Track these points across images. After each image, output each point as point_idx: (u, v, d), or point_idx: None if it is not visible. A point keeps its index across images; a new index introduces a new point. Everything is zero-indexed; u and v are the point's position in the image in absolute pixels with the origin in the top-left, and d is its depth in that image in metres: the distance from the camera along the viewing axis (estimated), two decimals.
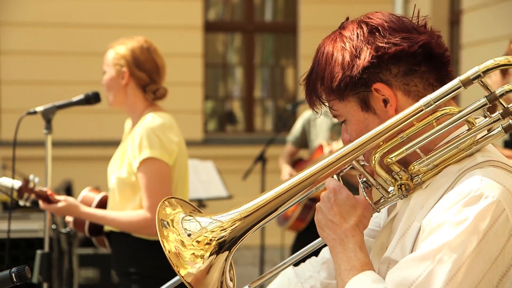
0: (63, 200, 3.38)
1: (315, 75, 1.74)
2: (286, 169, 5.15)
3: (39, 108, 3.44)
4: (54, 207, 3.37)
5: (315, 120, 5.15)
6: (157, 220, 1.70)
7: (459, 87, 1.56)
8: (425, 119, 1.62)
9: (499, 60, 1.55)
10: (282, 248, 6.11)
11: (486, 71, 1.54)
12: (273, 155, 6.75)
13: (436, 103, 1.58)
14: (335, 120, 5.06)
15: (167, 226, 1.69)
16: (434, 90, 1.65)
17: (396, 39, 1.65)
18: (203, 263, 1.66)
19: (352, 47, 1.67)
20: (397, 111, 1.66)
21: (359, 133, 1.69)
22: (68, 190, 7.49)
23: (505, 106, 1.58)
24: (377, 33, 1.67)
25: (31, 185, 3.40)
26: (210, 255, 1.66)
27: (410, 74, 1.66)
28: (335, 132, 5.01)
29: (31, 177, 3.44)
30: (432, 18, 9.30)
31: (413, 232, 1.60)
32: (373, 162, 1.65)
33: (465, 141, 1.61)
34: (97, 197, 3.57)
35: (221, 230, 1.67)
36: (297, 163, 5.25)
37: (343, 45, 1.69)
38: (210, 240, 1.66)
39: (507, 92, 1.56)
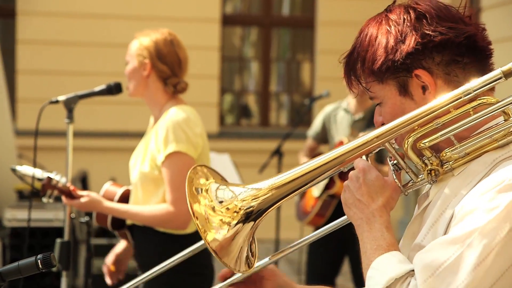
0: (86, 195, 3.39)
1: (356, 54, 1.74)
2: (304, 160, 5.19)
3: (61, 98, 3.45)
4: (77, 202, 3.39)
5: (336, 116, 5.15)
6: (187, 186, 1.73)
7: (500, 78, 1.57)
8: (462, 107, 1.62)
9: None
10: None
11: None
12: (289, 150, 6.76)
13: (475, 92, 1.59)
14: (356, 117, 5.06)
15: (200, 192, 1.73)
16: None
17: (443, 28, 1.65)
18: (228, 230, 1.69)
19: (397, 31, 1.67)
20: (435, 99, 1.65)
21: (394, 117, 1.69)
22: (84, 180, 7.52)
23: None
24: (424, 20, 1.67)
25: (53, 182, 3.41)
26: (237, 223, 1.69)
27: (453, 64, 1.66)
28: (356, 128, 5.01)
29: (53, 174, 3.44)
30: None
31: (445, 219, 1.60)
32: (406, 145, 1.66)
33: (500, 132, 1.62)
34: (119, 191, 3.57)
35: (252, 200, 1.70)
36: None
37: (388, 28, 1.69)
38: (239, 208, 1.69)
39: None
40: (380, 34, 1.70)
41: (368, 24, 1.75)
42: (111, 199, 3.53)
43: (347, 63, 1.77)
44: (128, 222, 3.50)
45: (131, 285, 2.45)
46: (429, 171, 1.65)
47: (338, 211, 4.99)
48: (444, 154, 1.65)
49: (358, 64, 1.74)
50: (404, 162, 1.69)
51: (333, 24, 9.43)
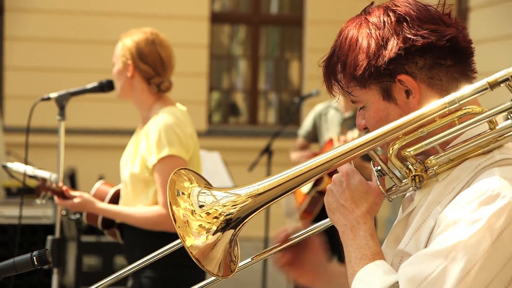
0: (78, 196, 3.41)
1: (336, 58, 1.71)
2: (297, 154, 5.21)
3: (53, 95, 3.45)
4: (70, 202, 3.41)
5: (327, 115, 5.17)
6: (169, 188, 1.69)
7: (486, 89, 1.56)
8: (448, 116, 1.61)
9: None
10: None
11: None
12: (279, 148, 6.78)
13: (460, 102, 1.57)
14: (346, 115, 5.08)
15: (181, 195, 1.69)
16: (458, 84, 1.65)
17: (424, 31, 1.64)
18: (208, 237, 1.66)
19: (378, 36, 1.65)
20: (420, 103, 1.65)
21: (377, 121, 1.69)
22: (72, 177, 7.50)
23: None
24: (405, 23, 1.65)
25: (48, 183, 3.43)
26: (217, 230, 1.66)
27: (436, 67, 1.65)
28: (346, 126, 5.04)
29: (47, 175, 3.46)
30: None
31: (429, 226, 1.60)
32: (391, 152, 1.64)
33: (485, 140, 1.61)
34: (110, 190, 3.59)
35: (232, 206, 1.66)
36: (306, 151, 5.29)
37: (369, 32, 1.66)
38: (220, 214, 1.66)
39: None
40: (361, 38, 1.67)
41: (347, 26, 1.72)
42: (102, 199, 3.55)
43: (327, 67, 1.74)
44: (118, 220, 3.51)
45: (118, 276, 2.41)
46: (413, 177, 1.64)
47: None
48: (429, 162, 1.64)
49: (338, 68, 1.71)
50: (388, 168, 1.68)
51: (322, 22, 9.45)
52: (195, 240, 1.66)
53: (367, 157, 5.44)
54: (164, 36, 3.51)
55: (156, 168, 3.32)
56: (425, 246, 1.59)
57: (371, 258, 1.61)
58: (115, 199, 3.55)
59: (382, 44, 1.65)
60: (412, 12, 1.66)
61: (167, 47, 3.47)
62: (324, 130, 5.15)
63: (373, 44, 1.65)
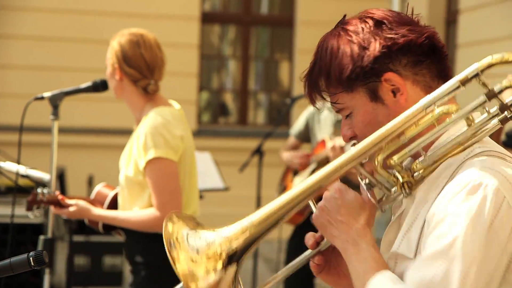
0: (74, 204, 3.41)
1: (317, 70, 1.74)
2: (289, 154, 5.21)
3: (47, 94, 3.43)
4: (66, 211, 3.42)
5: (320, 115, 5.17)
6: (165, 241, 1.70)
7: (458, 87, 1.60)
8: (426, 119, 1.64)
9: (496, 57, 1.57)
10: (279, 241, 6.14)
11: (484, 70, 1.57)
12: (269, 148, 6.77)
13: (436, 104, 1.61)
14: (340, 116, 5.08)
15: (175, 246, 1.69)
16: (438, 82, 1.69)
17: (403, 30, 1.68)
18: (213, 277, 1.65)
19: (359, 40, 1.69)
20: (407, 101, 1.68)
21: (366, 125, 1.71)
22: (61, 177, 7.48)
23: (503, 102, 1.60)
24: (383, 25, 1.70)
25: (39, 196, 3.42)
26: (221, 268, 1.66)
27: (418, 64, 1.69)
28: (339, 127, 5.04)
29: (39, 189, 3.45)
30: (428, 17, 9.33)
31: (418, 226, 1.62)
32: (376, 163, 1.67)
33: (465, 136, 1.64)
34: (110, 193, 3.60)
35: (229, 242, 1.66)
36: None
37: (350, 39, 1.70)
38: (220, 253, 1.66)
39: (506, 88, 1.58)
40: (342, 45, 1.70)
41: (325, 38, 1.76)
42: (102, 202, 3.56)
43: (309, 81, 1.77)
44: (116, 225, 3.52)
45: None
46: (402, 185, 1.66)
47: None
48: (415, 166, 1.67)
49: (321, 79, 1.73)
50: (376, 180, 1.70)
51: (312, 23, 9.45)
52: (202, 282, 1.65)
53: None
54: (153, 37, 3.47)
55: (146, 171, 3.34)
56: (417, 246, 1.61)
57: (377, 269, 1.62)
58: (115, 202, 3.56)
59: (364, 46, 1.68)
60: (387, 17, 1.71)
61: (153, 48, 3.43)
62: (316, 131, 5.15)
63: (355, 48, 1.69)
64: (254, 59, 10.06)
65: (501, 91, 1.59)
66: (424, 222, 1.60)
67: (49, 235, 3.46)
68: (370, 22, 1.71)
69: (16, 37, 9.02)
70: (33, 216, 3.46)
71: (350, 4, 9.56)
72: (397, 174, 1.66)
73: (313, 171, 5.02)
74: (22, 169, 3.47)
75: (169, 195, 3.32)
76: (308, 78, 1.77)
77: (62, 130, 8.63)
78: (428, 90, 1.69)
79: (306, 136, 5.25)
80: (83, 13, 9.07)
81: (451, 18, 8.24)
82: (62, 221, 6.34)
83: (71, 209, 3.40)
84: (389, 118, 1.68)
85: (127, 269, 7.11)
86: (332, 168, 1.68)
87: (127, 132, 9.32)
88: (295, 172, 5.20)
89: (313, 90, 1.76)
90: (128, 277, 6.98)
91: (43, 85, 7.37)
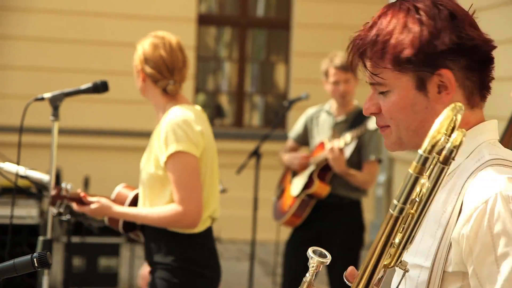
0: (96, 201, 3.43)
1: (374, 36, 1.65)
2: (289, 155, 5.23)
3: (47, 95, 3.43)
4: (88, 208, 3.43)
5: (318, 118, 5.17)
6: None
7: (417, 178, 1.46)
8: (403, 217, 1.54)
9: (432, 136, 1.45)
10: (277, 243, 6.14)
11: (430, 151, 1.45)
12: (266, 151, 6.78)
13: (405, 206, 1.49)
14: (338, 119, 5.08)
15: None
16: (481, 91, 1.68)
17: (474, 33, 1.64)
18: None
19: (432, 25, 1.62)
20: (450, 101, 1.60)
21: (401, 109, 1.67)
22: (57, 177, 7.46)
23: (448, 155, 1.50)
24: (456, 21, 1.64)
25: (63, 192, 3.45)
26: None
27: (472, 70, 1.66)
28: (338, 130, 5.05)
29: (63, 184, 3.48)
30: None
31: (438, 237, 1.62)
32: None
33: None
34: (130, 194, 3.60)
35: None
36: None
37: (420, 18, 1.63)
38: None
39: (454, 148, 1.48)
40: (411, 23, 1.63)
41: (389, 10, 1.67)
42: (123, 202, 3.56)
43: (358, 44, 1.69)
44: (138, 222, 3.52)
45: None
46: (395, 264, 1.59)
47: (315, 212, 5.02)
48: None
49: (376, 47, 1.65)
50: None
51: (309, 26, 9.47)
52: None
53: (352, 164, 5.42)
54: (176, 39, 3.56)
55: (167, 165, 3.34)
56: (435, 256, 1.61)
57: None
58: (135, 202, 3.56)
59: (435, 34, 1.62)
60: (460, 12, 1.66)
61: (173, 50, 3.50)
62: (315, 134, 5.16)
63: (425, 32, 1.62)
64: (250, 61, 10.07)
65: (452, 152, 1.50)
66: (444, 232, 1.61)
67: (48, 236, 3.45)
68: (445, 11, 1.64)
69: (16, 38, 9.02)
70: (56, 211, 3.46)
71: (346, 7, 9.60)
72: (390, 266, 1.59)
73: (311, 173, 5.03)
74: (22, 170, 3.46)
75: (190, 189, 3.32)
76: (357, 40, 1.69)
77: (58, 131, 8.64)
78: (470, 96, 1.67)
79: (304, 139, 5.26)
80: (81, 14, 9.07)
81: None
82: (58, 222, 6.34)
83: (93, 206, 3.42)
84: (426, 111, 1.66)
85: (122, 270, 7.11)
86: None
87: (123, 134, 9.37)
88: (294, 174, 5.21)
89: (358, 54, 1.69)
90: (123, 278, 6.97)
91: (43, 86, 7.38)
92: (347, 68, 4.96)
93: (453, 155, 1.48)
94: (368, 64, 1.69)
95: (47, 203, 3.49)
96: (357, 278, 1.55)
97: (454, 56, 1.63)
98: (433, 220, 1.65)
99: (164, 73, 3.46)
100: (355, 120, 5.01)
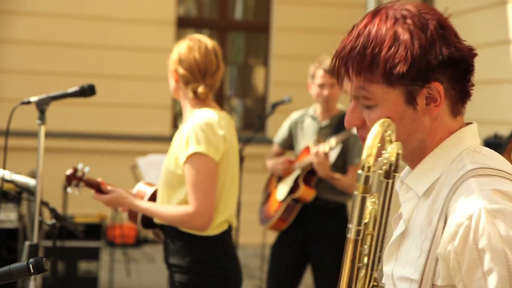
0: (112, 190, 3.45)
1: (362, 49, 1.60)
2: (272, 161, 5.22)
3: (33, 98, 3.40)
4: (105, 197, 3.45)
5: (303, 123, 5.17)
6: None
7: (364, 197, 1.48)
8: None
9: (366, 157, 1.48)
10: (263, 246, 6.13)
11: (368, 169, 1.47)
12: (247, 154, 6.77)
13: (360, 227, 1.51)
14: (323, 124, 5.09)
15: None
16: (463, 99, 1.67)
17: (461, 45, 1.63)
18: None
19: (422, 39, 1.59)
20: (438, 114, 1.64)
21: None
22: None
23: (389, 170, 1.55)
24: (443, 31, 1.62)
25: (79, 173, 3.45)
26: None
27: (459, 80, 1.65)
28: (322, 135, 5.05)
29: (80, 166, 3.49)
30: None
31: (425, 250, 1.61)
32: None
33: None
34: (149, 190, 3.61)
35: None
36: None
37: (410, 29, 1.59)
38: None
39: (392, 162, 1.53)
40: (401, 34, 1.59)
41: (375, 18, 1.62)
42: (143, 198, 3.58)
43: (344, 56, 1.63)
44: (156, 221, 3.52)
45: None
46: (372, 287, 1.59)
47: (301, 216, 5.02)
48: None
49: (363, 60, 1.59)
50: None
51: (288, 29, 9.49)
52: None
53: (337, 168, 5.40)
54: (212, 43, 3.57)
55: (185, 166, 3.35)
56: (423, 269, 1.61)
57: None
58: (153, 199, 3.57)
59: (427, 47, 1.58)
60: (445, 22, 1.64)
61: (208, 53, 3.52)
62: (300, 138, 5.16)
63: (417, 45, 1.58)
64: (229, 64, 10.06)
65: (391, 166, 1.53)
66: (431, 245, 1.60)
67: (35, 240, 3.41)
68: (433, 21, 1.61)
69: (6, 41, 8.95)
70: (72, 192, 3.48)
71: (325, 11, 9.63)
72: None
73: (297, 178, 5.03)
74: (7, 174, 3.43)
75: (204, 192, 3.32)
76: (343, 51, 1.63)
77: (36, 135, 8.57)
78: (453, 105, 1.66)
79: (289, 143, 5.26)
80: (60, 16, 9.02)
81: None
82: (38, 226, 6.29)
83: (110, 195, 3.44)
84: (413, 124, 1.63)
85: (102, 274, 7.07)
86: None
87: (103, 137, 9.29)
88: (279, 178, 5.21)
89: (344, 66, 1.64)
90: (103, 282, 6.93)
91: (33, 90, 7.31)
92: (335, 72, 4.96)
93: (393, 168, 1.51)
94: (354, 76, 1.63)
95: (35, 206, 3.45)
96: None
97: (444, 69, 1.61)
98: (419, 231, 1.64)
99: (196, 76, 3.48)
100: (340, 124, 5.01)
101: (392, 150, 1.50)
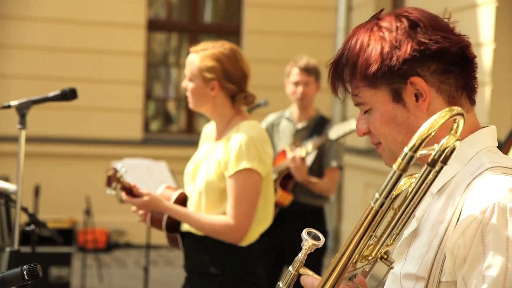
0: (146, 194, 3.36)
1: (345, 60, 1.72)
2: None
3: (14, 103, 3.35)
4: (138, 200, 3.37)
5: (279, 125, 5.17)
6: None
7: (401, 175, 1.47)
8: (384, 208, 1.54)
9: (420, 135, 1.45)
10: None
11: (416, 150, 1.44)
12: None
13: (386, 199, 1.50)
14: (299, 126, 5.10)
15: None
16: (462, 94, 1.69)
17: (438, 37, 1.66)
18: None
19: (392, 38, 1.67)
20: (428, 108, 1.67)
21: (384, 124, 1.70)
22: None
23: (435, 158, 1.51)
24: (418, 28, 1.67)
25: (118, 174, 3.39)
26: None
27: (447, 73, 1.68)
28: (299, 137, 5.06)
29: (118, 166, 3.43)
30: None
31: (434, 248, 1.62)
32: (354, 261, 1.59)
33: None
34: (174, 193, 3.53)
35: None
36: None
37: (382, 35, 1.68)
38: None
39: (443, 151, 1.49)
40: (374, 41, 1.68)
41: (358, 31, 1.74)
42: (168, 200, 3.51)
43: (335, 69, 1.75)
44: (184, 228, 3.47)
45: None
46: (380, 258, 1.62)
47: (279, 221, 5.02)
48: (382, 250, 1.63)
49: (347, 70, 1.71)
50: (355, 271, 1.64)
51: (259, 33, 9.49)
52: None
53: (313, 171, 5.40)
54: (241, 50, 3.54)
55: (232, 179, 3.30)
56: (431, 267, 1.62)
57: None
58: (180, 202, 3.50)
59: (396, 46, 1.66)
60: (424, 19, 1.69)
61: (245, 61, 3.49)
62: (276, 141, 5.16)
63: (386, 46, 1.67)
64: None
65: (443, 154, 1.50)
66: (440, 243, 1.61)
67: (16, 246, 3.37)
68: (405, 22, 1.68)
69: None
70: (110, 193, 3.41)
71: (296, 14, 9.66)
72: (374, 253, 1.62)
73: (274, 182, 5.03)
74: None
75: (248, 207, 3.30)
76: (333, 66, 1.76)
77: (6, 139, 8.49)
78: (451, 100, 1.69)
79: None
80: (22, 19, 8.94)
81: None
82: (7, 232, 6.21)
83: (145, 198, 3.36)
84: (407, 121, 1.68)
85: (74, 280, 7.01)
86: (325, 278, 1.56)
87: (74, 141, 9.20)
88: None
89: (337, 80, 1.75)
90: (75, 287, 6.86)
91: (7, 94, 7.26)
92: (310, 71, 4.99)
93: (441, 158, 1.48)
94: (347, 86, 1.74)
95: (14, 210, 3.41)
96: (333, 263, 1.54)
97: (421, 62, 1.66)
98: (431, 228, 1.65)
99: (243, 86, 3.44)
100: (316, 126, 5.03)
101: (449, 140, 1.47)
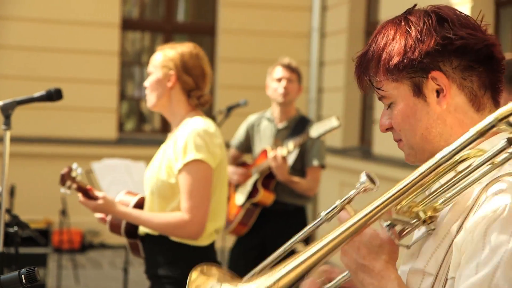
0: (101, 197, 3.37)
1: (371, 53, 1.74)
2: (230, 169, 5.18)
3: None
4: (92, 203, 3.37)
5: (259, 125, 5.18)
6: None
7: (476, 138, 1.51)
8: (446, 165, 1.57)
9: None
10: (222, 250, 6.11)
11: (502, 119, 1.47)
12: None
13: (450, 159, 1.55)
14: (280, 126, 5.10)
15: None
16: (486, 92, 1.69)
17: (463, 33, 1.67)
18: None
19: (417, 32, 1.68)
20: (448, 104, 1.67)
21: (404, 118, 1.71)
22: None
23: None
24: (445, 24, 1.68)
25: (73, 173, 3.38)
26: None
27: (469, 70, 1.68)
28: (280, 137, 5.07)
29: (74, 166, 3.42)
30: (348, 28, 9.41)
31: (446, 246, 1.63)
32: (398, 208, 1.63)
33: (482, 174, 1.61)
34: (133, 199, 3.53)
35: None
36: (240, 167, 5.27)
37: (408, 29, 1.69)
38: None
39: None
40: (399, 34, 1.70)
41: (386, 25, 1.76)
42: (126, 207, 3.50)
43: (361, 62, 1.77)
44: (141, 232, 3.46)
45: None
46: (424, 221, 1.64)
47: (261, 220, 5.02)
48: (437, 206, 1.65)
49: (372, 63, 1.74)
50: (397, 220, 1.65)
51: (234, 32, 9.49)
52: None
53: (295, 170, 5.39)
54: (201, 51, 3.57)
55: (181, 173, 3.29)
56: (440, 265, 1.62)
57: None
58: (138, 207, 3.50)
59: (419, 39, 1.67)
60: (453, 16, 1.70)
61: (208, 62, 3.54)
62: (257, 141, 5.16)
63: (410, 39, 1.68)
64: None
65: None
66: (452, 242, 1.61)
67: (1, 248, 3.33)
68: (434, 17, 1.69)
69: None
70: (64, 191, 3.41)
71: (271, 14, 9.66)
72: (420, 213, 1.64)
73: (255, 182, 5.03)
74: None
75: (200, 199, 3.29)
76: (360, 60, 1.78)
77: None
78: (473, 98, 1.69)
79: (247, 146, 5.26)
80: (2, 18, 8.86)
81: (371, 29, 8.42)
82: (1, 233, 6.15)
83: (99, 202, 3.36)
84: (428, 117, 1.69)
85: (49, 281, 6.95)
86: (353, 222, 1.60)
87: (48, 140, 9.12)
88: (237, 184, 5.19)
89: (363, 73, 1.77)
90: None
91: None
92: (293, 69, 5.01)
93: None
94: (372, 80, 1.77)
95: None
96: (378, 198, 1.58)
97: (443, 57, 1.67)
98: (444, 227, 1.65)
99: (200, 83, 3.48)
100: (297, 126, 5.04)
101: None
